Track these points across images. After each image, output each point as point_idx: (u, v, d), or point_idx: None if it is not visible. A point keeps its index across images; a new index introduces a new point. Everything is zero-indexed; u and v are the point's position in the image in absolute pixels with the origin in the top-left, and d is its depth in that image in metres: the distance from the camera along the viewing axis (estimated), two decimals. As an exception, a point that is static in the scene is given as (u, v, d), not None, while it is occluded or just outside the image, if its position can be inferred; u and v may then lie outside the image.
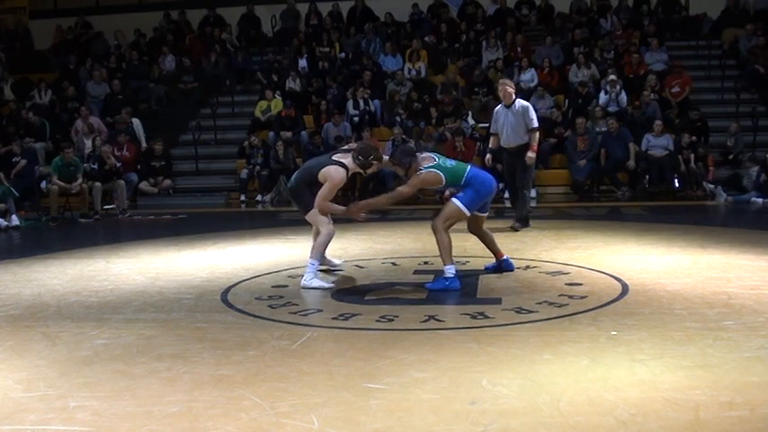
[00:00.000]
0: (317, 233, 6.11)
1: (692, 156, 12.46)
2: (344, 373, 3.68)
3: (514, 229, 8.56)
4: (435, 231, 5.68)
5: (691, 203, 11.71)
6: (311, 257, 5.93)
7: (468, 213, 5.73)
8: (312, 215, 5.99)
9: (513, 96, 8.58)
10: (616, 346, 4.04)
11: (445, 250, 5.63)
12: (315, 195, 5.92)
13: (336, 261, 6.61)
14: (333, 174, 5.85)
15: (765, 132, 13.76)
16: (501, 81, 9.04)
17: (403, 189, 5.74)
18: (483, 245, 6.23)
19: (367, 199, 6.39)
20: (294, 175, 6.24)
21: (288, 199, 13.16)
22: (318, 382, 3.56)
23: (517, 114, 8.50)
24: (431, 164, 5.72)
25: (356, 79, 15.46)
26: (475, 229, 6.10)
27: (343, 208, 5.95)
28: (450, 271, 5.60)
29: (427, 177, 5.66)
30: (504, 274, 6.13)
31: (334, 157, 6.06)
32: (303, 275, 5.85)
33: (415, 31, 16.85)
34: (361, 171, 6.11)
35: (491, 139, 9.01)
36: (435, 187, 5.90)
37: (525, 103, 8.78)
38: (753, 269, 6.01)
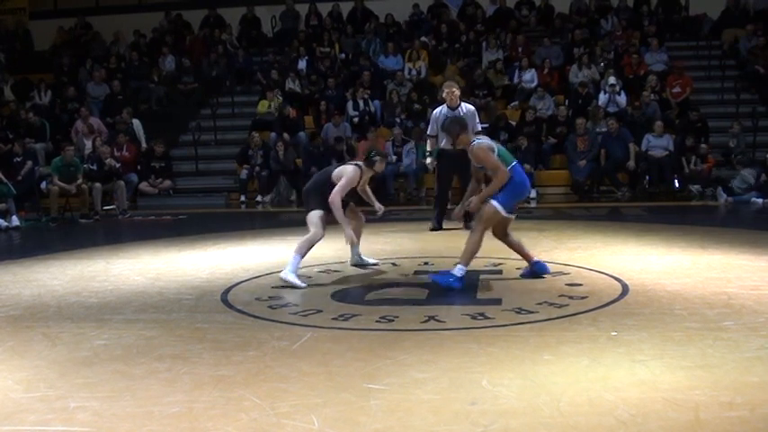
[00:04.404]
0: (350, 236, 6.26)
1: (693, 157, 12.48)
2: (345, 374, 3.68)
3: (470, 228, 8.69)
4: (472, 232, 5.72)
5: (691, 204, 11.71)
6: (295, 251, 5.99)
7: (504, 213, 5.67)
8: (310, 216, 6.09)
9: (459, 100, 8.67)
10: (616, 346, 4.04)
11: (469, 251, 5.61)
12: (323, 198, 6.04)
13: (371, 260, 6.72)
14: (348, 170, 6.16)
15: (765, 132, 13.77)
16: (447, 83, 9.06)
17: (493, 170, 5.62)
18: (512, 251, 6.05)
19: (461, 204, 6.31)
20: (311, 180, 6.46)
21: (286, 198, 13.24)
22: (318, 383, 3.55)
23: (465, 117, 8.51)
24: (484, 139, 5.88)
25: (356, 80, 15.46)
26: (500, 233, 5.93)
27: (343, 223, 6.03)
28: (459, 271, 5.57)
29: (486, 146, 5.68)
30: (505, 274, 6.13)
31: (351, 162, 6.46)
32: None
33: (415, 32, 16.86)
34: (374, 171, 6.37)
35: (428, 141, 8.95)
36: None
37: (471, 106, 8.84)
38: (753, 269, 6.01)
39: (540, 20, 17.38)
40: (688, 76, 14.51)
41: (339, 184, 6.04)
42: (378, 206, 6.56)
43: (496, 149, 5.70)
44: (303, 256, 6.02)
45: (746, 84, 14.84)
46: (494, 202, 5.61)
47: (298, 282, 5.86)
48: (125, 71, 16.82)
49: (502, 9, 17.35)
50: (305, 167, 13.65)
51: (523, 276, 6.03)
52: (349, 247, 6.55)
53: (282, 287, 5.82)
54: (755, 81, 14.82)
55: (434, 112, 8.86)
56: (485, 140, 5.84)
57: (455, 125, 6.02)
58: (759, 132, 13.66)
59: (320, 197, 6.08)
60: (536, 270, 5.95)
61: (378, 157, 6.30)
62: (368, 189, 6.61)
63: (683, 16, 17.19)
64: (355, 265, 6.62)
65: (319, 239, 6.06)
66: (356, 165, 6.28)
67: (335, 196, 5.98)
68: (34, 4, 19.64)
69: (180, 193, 14.14)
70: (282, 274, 5.89)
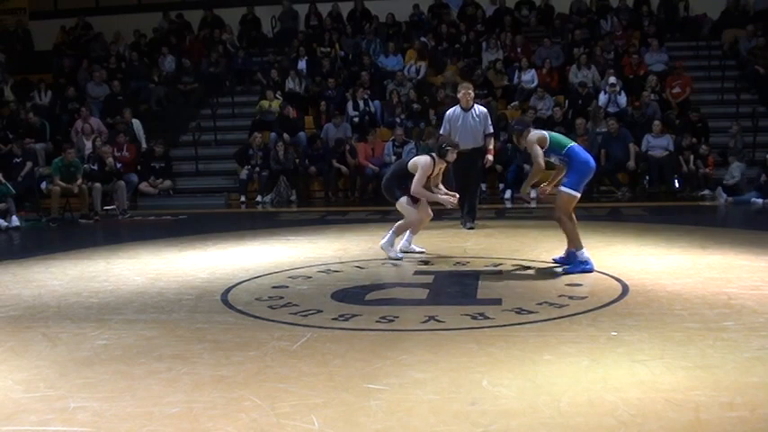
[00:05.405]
0: (446, 200, 7.05)
1: (692, 156, 12.49)
2: (345, 374, 3.68)
3: (471, 228, 8.81)
4: (559, 223, 6.07)
5: (691, 204, 11.71)
6: (392, 229, 6.90)
7: (578, 195, 6.08)
8: (398, 204, 6.89)
9: (473, 102, 8.84)
10: (616, 346, 4.04)
11: (572, 237, 5.99)
12: (403, 187, 6.83)
13: (418, 248, 7.19)
14: (421, 161, 6.83)
15: (765, 133, 13.77)
16: (464, 85, 9.20)
17: (534, 157, 6.11)
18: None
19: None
20: (387, 173, 7.21)
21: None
22: (319, 383, 3.56)
23: (477, 118, 8.73)
24: (539, 131, 6.32)
25: (356, 80, 15.46)
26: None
27: (436, 196, 6.89)
28: (582, 255, 5.93)
29: (536, 138, 6.12)
30: (505, 274, 6.14)
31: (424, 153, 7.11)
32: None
33: (414, 32, 16.84)
34: (444, 161, 6.94)
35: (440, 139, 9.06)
36: (545, 149, 6.15)
37: (484, 108, 8.98)
38: (753, 270, 6.01)
39: (540, 20, 17.37)
40: (688, 77, 14.51)
41: (416, 176, 6.70)
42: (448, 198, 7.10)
43: (548, 137, 6.13)
44: (397, 235, 6.91)
45: (746, 84, 14.84)
46: (563, 188, 6.03)
47: (393, 253, 6.80)
48: (125, 71, 16.81)
49: (502, 9, 17.35)
50: (304, 167, 13.66)
51: (555, 260, 6.43)
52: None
53: (282, 287, 5.82)
54: (755, 81, 14.81)
55: (448, 111, 8.99)
56: (538, 132, 6.24)
57: (519, 124, 6.41)
58: (759, 132, 13.65)
59: (401, 187, 6.84)
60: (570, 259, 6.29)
61: (449, 148, 6.90)
62: (441, 185, 7.14)
63: (684, 16, 17.18)
64: (405, 252, 7.12)
65: (415, 220, 6.92)
66: (429, 156, 6.89)
67: (417, 187, 6.72)
68: (34, 4, 19.61)
69: (180, 193, 14.12)
70: (382, 243, 6.85)
